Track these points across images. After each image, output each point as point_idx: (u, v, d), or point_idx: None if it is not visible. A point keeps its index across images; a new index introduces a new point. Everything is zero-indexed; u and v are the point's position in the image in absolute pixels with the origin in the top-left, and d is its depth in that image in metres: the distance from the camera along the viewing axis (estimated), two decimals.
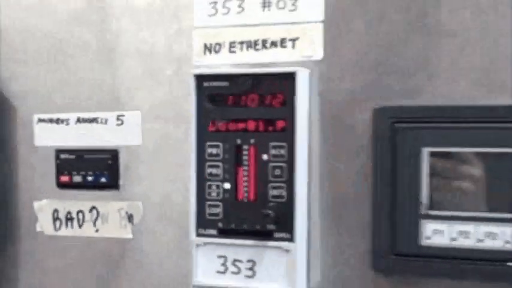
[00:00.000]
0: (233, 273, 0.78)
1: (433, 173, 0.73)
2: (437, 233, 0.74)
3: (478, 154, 0.72)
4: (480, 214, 0.72)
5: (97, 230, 0.90)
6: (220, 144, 0.78)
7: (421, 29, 0.75)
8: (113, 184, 0.88)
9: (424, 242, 0.74)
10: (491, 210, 0.72)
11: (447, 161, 0.73)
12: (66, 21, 0.89)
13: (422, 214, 0.74)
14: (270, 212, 0.76)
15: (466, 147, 0.73)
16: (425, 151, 0.74)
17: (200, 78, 0.78)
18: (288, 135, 0.76)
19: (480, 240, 0.72)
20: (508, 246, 0.72)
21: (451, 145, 0.73)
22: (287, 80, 0.75)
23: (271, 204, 0.76)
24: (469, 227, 0.73)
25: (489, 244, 0.72)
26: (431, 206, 0.74)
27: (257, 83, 0.77)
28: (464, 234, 0.73)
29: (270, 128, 0.76)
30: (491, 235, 0.72)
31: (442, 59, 0.74)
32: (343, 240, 0.79)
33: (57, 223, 0.91)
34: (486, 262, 0.72)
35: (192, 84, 0.78)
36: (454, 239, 0.74)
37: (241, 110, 0.77)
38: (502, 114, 0.72)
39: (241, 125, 0.77)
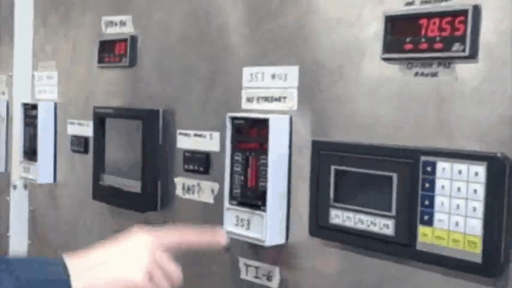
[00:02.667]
0: (240, 226, 1.42)
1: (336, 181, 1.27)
2: (337, 216, 1.27)
3: (363, 173, 1.23)
4: (359, 208, 1.23)
5: None
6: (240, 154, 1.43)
7: None
8: None
9: (331, 221, 1.28)
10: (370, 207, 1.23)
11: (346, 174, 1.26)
12: None
13: (330, 204, 1.28)
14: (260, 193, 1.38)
15: (355, 168, 1.24)
16: (333, 168, 1.28)
17: (233, 118, 1.43)
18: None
19: (356, 222, 1.24)
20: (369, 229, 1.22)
21: (347, 166, 1.26)
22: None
23: (261, 188, 1.38)
24: (353, 213, 1.24)
25: (361, 227, 1.23)
26: (336, 200, 1.28)
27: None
28: (349, 218, 1.25)
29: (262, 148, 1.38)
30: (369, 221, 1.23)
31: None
32: (298, 216, 1.36)
33: None
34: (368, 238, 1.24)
35: (228, 121, 1.43)
36: (344, 221, 1.26)
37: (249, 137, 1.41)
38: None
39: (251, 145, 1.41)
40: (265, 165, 1.37)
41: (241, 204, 1.43)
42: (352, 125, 1.27)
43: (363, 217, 1.23)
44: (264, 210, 1.37)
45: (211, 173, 1.59)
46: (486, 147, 1.08)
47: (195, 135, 1.62)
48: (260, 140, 1.39)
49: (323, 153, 1.30)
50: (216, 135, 1.56)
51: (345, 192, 1.27)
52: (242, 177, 1.43)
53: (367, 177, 1.23)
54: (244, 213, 1.42)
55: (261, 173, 1.39)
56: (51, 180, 2.14)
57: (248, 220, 1.41)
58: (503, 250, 1.06)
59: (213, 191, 1.58)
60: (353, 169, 1.25)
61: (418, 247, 1.15)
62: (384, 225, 1.20)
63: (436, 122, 1.15)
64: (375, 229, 1.21)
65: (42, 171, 2.11)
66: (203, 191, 1.61)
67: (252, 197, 1.40)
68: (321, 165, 1.31)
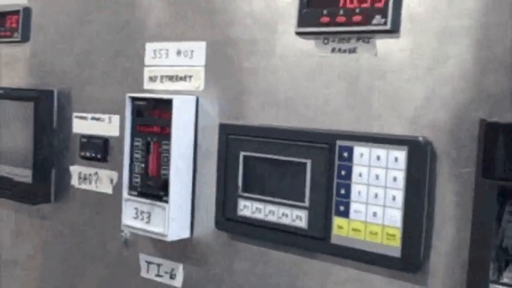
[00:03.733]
0: (140, 219, 1.27)
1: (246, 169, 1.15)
2: (246, 208, 1.15)
3: (275, 160, 1.11)
4: (270, 198, 1.12)
5: None
6: (140, 139, 1.28)
7: None
8: None
9: (239, 212, 1.16)
10: (282, 197, 1.11)
11: (256, 162, 1.14)
12: None
13: (239, 194, 1.16)
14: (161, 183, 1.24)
15: (266, 154, 1.12)
16: (242, 154, 1.15)
17: (133, 99, 1.28)
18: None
19: (267, 214, 1.12)
20: (280, 221, 1.10)
21: (257, 152, 1.13)
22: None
23: (163, 178, 1.24)
24: (262, 204, 1.13)
25: (271, 218, 1.11)
26: (245, 190, 1.15)
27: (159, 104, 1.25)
28: (258, 209, 1.13)
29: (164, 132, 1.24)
30: (271, 212, 1.11)
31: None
32: (205, 208, 1.24)
33: None
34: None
35: (128, 102, 1.28)
36: (253, 212, 1.14)
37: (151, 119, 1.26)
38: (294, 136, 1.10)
39: (151, 129, 1.26)
40: (168, 151, 1.23)
41: (141, 195, 1.28)
42: (266, 106, 1.15)
43: (274, 208, 1.11)
44: (166, 202, 1.23)
45: (110, 161, 1.43)
46: (409, 130, 0.98)
47: (93, 118, 1.46)
48: (163, 123, 1.24)
49: (231, 137, 1.17)
50: (116, 118, 1.41)
51: (255, 181, 1.15)
52: (143, 165, 1.28)
53: (279, 164, 1.11)
54: (144, 204, 1.27)
55: (163, 160, 1.24)
56: None
57: (149, 213, 1.26)
58: (424, 243, 0.96)
59: (111, 180, 1.42)
60: (264, 155, 1.13)
61: (333, 240, 1.04)
62: (296, 217, 1.08)
63: (357, 103, 1.04)
64: (286, 221, 1.09)
65: None
66: (101, 180, 1.45)
67: (154, 187, 1.25)
68: (229, 151, 1.18)
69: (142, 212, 1.27)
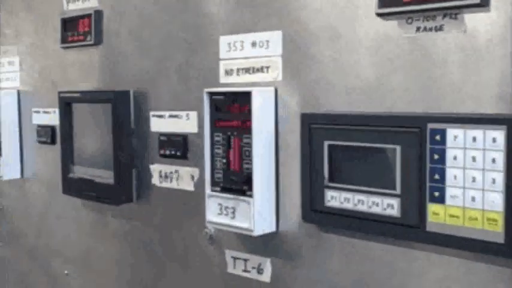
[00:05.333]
0: (225, 215, 1.26)
1: (331, 158, 1.12)
2: (333, 198, 1.12)
3: (361, 147, 1.08)
4: (358, 187, 1.08)
5: None
6: (220, 134, 1.26)
7: None
8: None
9: (327, 203, 1.13)
10: (371, 186, 1.07)
11: (342, 150, 1.11)
12: None
13: (325, 185, 1.13)
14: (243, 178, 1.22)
15: (352, 142, 1.09)
16: (326, 143, 1.12)
17: (210, 94, 1.27)
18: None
19: (356, 204, 1.08)
20: (371, 210, 1.06)
21: (342, 140, 1.10)
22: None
23: (245, 172, 1.22)
24: (351, 194, 1.09)
25: (360, 207, 1.08)
26: (331, 180, 1.12)
27: (238, 97, 1.23)
28: (347, 199, 1.10)
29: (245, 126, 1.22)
30: (361, 201, 1.08)
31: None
32: (289, 200, 1.21)
33: None
34: (371, 221, 1.08)
35: (205, 98, 1.27)
36: (342, 203, 1.11)
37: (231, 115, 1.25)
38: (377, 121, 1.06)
39: (231, 123, 1.25)
40: (249, 145, 1.21)
41: (224, 190, 1.26)
42: (349, 93, 1.11)
43: (364, 197, 1.08)
44: (251, 196, 1.21)
45: (190, 158, 1.42)
46: (504, 108, 0.93)
47: (170, 116, 1.45)
48: (242, 117, 1.22)
49: (314, 127, 1.14)
50: (193, 114, 1.40)
51: (342, 170, 1.11)
52: (224, 160, 1.26)
53: (367, 152, 1.07)
54: (228, 200, 1.26)
55: (244, 154, 1.23)
56: (18, 176, 1.96)
57: (233, 208, 1.25)
58: None
59: (192, 177, 1.42)
60: (350, 143, 1.09)
61: (429, 228, 0.99)
62: (388, 206, 1.04)
63: (446, 84, 0.99)
64: (377, 210, 1.06)
65: (8, 166, 1.93)
66: (182, 178, 1.44)
67: (237, 182, 1.24)
68: (312, 141, 1.15)
69: (226, 208, 1.26)
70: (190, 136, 1.42)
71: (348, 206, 1.10)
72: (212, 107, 1.28)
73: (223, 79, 1.33)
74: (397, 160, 1.02)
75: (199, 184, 1.39)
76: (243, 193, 1.23)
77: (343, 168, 1.11)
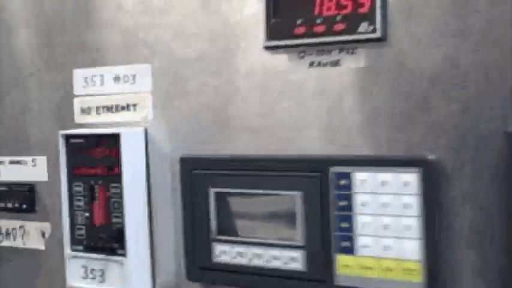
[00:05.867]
0: (91, 278, 1.07)
1: (219, 208, 0.99)
2: (224, 253, 0.99)
3: (253, 195, 0.96)
4: (253, 240, 0.97)
5: None
6: (81, 184, 1.08)
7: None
8: None
9: (215, 259, 1.00)
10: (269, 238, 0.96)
11: (231, 198, 0.98)
12: None
13: (212, 238, 1.00)
14: (114, 234, 1.04)
15: (243, 189, 0.97)
16: (212, 191, 0.99)
17: (67, 137, 1.08)
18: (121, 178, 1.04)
19: (251, 258, 0.97)
20: (267, 265, 0.95)
21: (231, 187, 0.98)
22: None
23: (114, 227, 1.05)
24: (245, 248, 0.97)
25: (255, 262, 0.96)
26: (220, 232, 0.99)
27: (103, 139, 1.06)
28: (240, 253, 0.98)
29: (112, 173, 1.05)
30: (256, 256, 0.96)
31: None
32: (166, 256, 1.06)
33: None
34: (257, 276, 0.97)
35: (61, 141, 1.08)
36: (234, 257, 0.98)
37: (92, 159, 1.07)
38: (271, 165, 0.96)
39: (92, 171, 1.07)
40: (119, 195, 1.04)
41: (89, 249, 1.08)
42: (233, 133, 1.00)
43: (261, 251, 0.96)
44: (123, 255, 1.04)
45: (39, 211, 1.21)
46: (416, 148, 0.87)
47: (12, 162, 1.23)
48: (108, 163, 1.05)
49: (197, 172, 1.01)
50: (42, 160, 1.19)
51: (232, 220, 0.99)
52: (87, 214, 1.08)
53: (262, 200, 0.96)
54: (95, 261, 1.07)
55: (113, 206, 1.05)
56: None
57: (102, 270, 1.07)
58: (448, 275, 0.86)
59: (43, 233, 1.21)
60: (239, 190, 0.98)
61: (338, 281, 0.91)
62: (290, 259, 0.94)
63: (347, 123, 0.91)
64: (278, 264, 0.95)
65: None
66: (29, 234, 1.22)
67: (105, 239, 1.06)
68: (195, 189, 1.01)
69: (93, 270, 1.07)
70: (38, 185, 1.20)
71: (243, 261, 0.97)
72: (69, 152, 1.09)
73: (78, 118, 1.14)
74: (297, 208, 0.92)
75: (52, 242, 1.18)
76: (112, 252, 1.06)
77: (234, 219, 0.99)
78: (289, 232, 0.94)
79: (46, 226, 1.20)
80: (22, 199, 1.21)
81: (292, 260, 0.94)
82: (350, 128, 0.91)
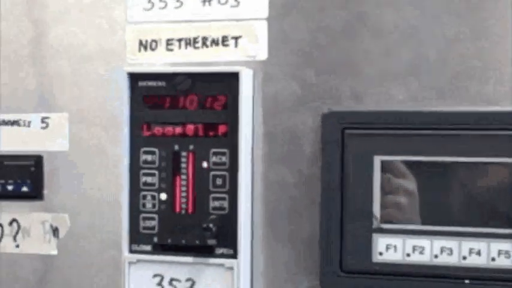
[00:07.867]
0: None
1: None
2: (391, 248, 0.69)
3: (433, 163, 0.68)
4: (435, 228, 0.68)
5: (17, 246, 0.81)
6: (156, 150, 0.71)
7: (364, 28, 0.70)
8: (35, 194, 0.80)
9: (377, 258, 0.69)
10: (447, 224, 0.68)
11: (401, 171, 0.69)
12: None
13: (374, 228, 0.69)
14: (210, 225, 0.69)
15: (421, 156, 0.68)
16: (378, 160, 0.69)
17: (134, 77, 0.71)
18: (230, 141, 0.69)
19: (435, 256, 0.68)
20: (465, 262, 0.67)
21: (405, 154, 0.68)
22: (230, 81, 0.69)
23: (212, 217, 0.70)
24: (424, 241, 0.68)
25: (444, 260, 0.68)
26: (384, 220, 0.69)
27: (197, 83, 0.70)
28: (419, 249, 0.68)
29: (211, 133, 0.70)
30: (446, 250, 0.68)
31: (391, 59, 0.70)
32: (289, 256, 0.73)
33: None
34: (442, 279, 0.68)
35: (125, 83, 0.71)
36: (408, 255, 0.69)
37: (179, 113, 0.70)
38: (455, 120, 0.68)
39: (178, 130, 0.70)
40: (226, 165, 0.69)
41: (167, 249, 0.71)
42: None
43: (453, 244, 0.67)
44: (233, 256, 0.69)
45: (48, 196, 0.80)
46: None
47: (6, 123, 0.81)
48: (206, 118, 0.70)
49: (351, 133, 0.70)
50: (58, 118, 0.79)
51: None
52: (164, 196, 0.71)
53: (454, 170, 0.67)
54: (178, 267, 0.70)
55: (214, 183, 0.70)
56: None
57: (191, 280, 0.70)
58: None
59: (54, 230, 0.80)
60: (421, 158, 0.68)
61: None
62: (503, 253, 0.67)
63: None
64: (480, 262, 0.66)
65: None
66: (29, 232, 0.81)
67: (195, 234, 0.70)
68: (348, 156, 0.69)
69: (173, 280, 0.70)
70: (49, 157, 0.80)
71: (424, 258, 0.67)
72: (137, 101, 0.71)
73: (133, 57, 0.77)
74: None
75: (67, 242, 0.78)
76: (210, 252, 0.70)
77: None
78: (500, 217, 0.66)
79: (61, 219, 0.80)
80: (21, 178, 0.80)
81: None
82: None
